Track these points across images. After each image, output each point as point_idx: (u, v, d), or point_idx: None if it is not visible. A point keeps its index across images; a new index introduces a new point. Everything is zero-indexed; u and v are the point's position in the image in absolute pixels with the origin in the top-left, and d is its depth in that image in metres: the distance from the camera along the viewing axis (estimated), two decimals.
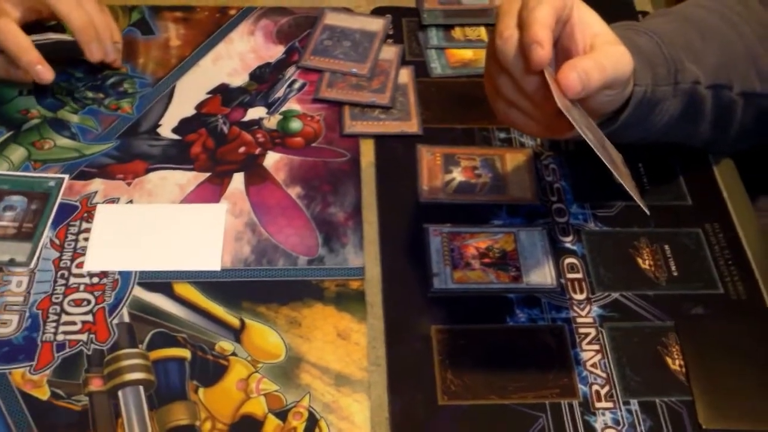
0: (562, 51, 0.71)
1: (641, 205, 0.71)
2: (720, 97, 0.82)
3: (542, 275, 0.80)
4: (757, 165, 0.94)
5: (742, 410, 0.72)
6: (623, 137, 0.78)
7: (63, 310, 0.76)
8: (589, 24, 0.72)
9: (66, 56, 0.94)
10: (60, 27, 0.95)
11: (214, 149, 0.90)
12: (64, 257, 0.79)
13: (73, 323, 0.75)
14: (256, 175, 0.87)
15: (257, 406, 0.70)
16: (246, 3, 1.06)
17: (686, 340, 0.75)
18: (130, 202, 0.84)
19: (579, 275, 0.80)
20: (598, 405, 0.72)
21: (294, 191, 0.86)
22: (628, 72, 0.71)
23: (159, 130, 0.91)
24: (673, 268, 0.81)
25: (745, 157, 0.92)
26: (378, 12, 1.06)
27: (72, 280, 0.78)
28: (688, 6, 0.87)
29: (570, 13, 0.71)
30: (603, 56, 0.69)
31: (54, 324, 0.75)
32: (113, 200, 0.84)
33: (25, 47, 0.89)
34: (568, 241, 0.83)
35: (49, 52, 0.90)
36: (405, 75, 0.98)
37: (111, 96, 0.94)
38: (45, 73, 0.90)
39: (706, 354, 0.75)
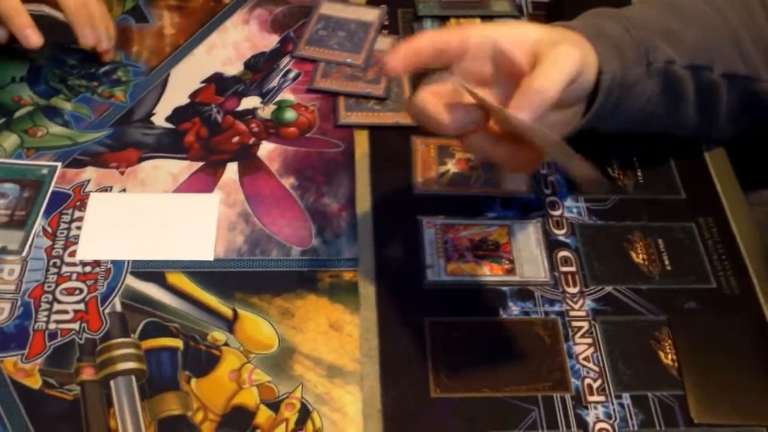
0: (512, 79, 0.70)
1: (597, 182, 0.70)
2: (700, 78, 0.82)
3: (536, 268, 0.80)
4: (750, 159, 0.94)
5: (733, 404, 0.72)
6: (606, 126, 0.79)
7: (55, 299, 0.75)
8: (523, 38, 0.71)
9: (58, 38, 0.94)
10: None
11: (207, 138, 0.89)
12: (56, 246, 0.79)
13: (66, 312, 0.75)
14: (250, 165, 0.87)
15: (249, 397, 0.70)
16: None
17: (679, 335, 0.76)
18: (123, 190, 0.84)
19: (572, 268, 0.80)
20: (590, 398, 0.72)
21: (288, 181, 0.86)
22: (575, 69, 0.70)
23: (152, 118, 0.91)
24: (667, 262, 0.81)
25: (739, 150, 0.92)
26: (373, 2, 1.06)
27: (64, 268, 0.77)
28: None
29: (494, 44, 0.71)
30: (548, 68, 0.68)
31: (46, 313, 0.74)
32: (106, 189, 0.84)
33: (17, 9, 0.88)
34: (562, 234, 0.83)
35: (41, 26, 0.89)
36: None
37: (104, 84, 0.94)
38: (33, 37, 0.89)
39: (699, 348, 0.75)
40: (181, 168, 0.86)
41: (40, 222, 0.81)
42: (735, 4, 0.84)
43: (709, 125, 0.86)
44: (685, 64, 0.81)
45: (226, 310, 0.76)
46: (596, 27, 0.78)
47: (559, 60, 0.68)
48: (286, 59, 0.98)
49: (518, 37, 0.71)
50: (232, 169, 0.86)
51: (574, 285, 0.79)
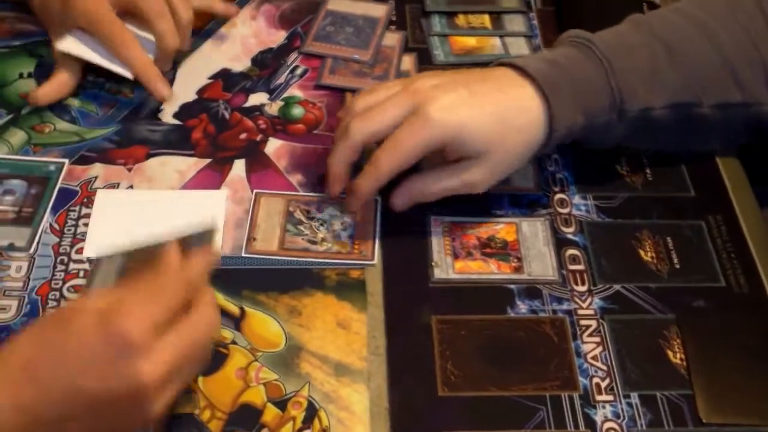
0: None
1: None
2: (686, 113, 0.82)
3: (544, 266, 0.80)
4: (760, 157, 0.94)
5: (742, 404, 0.71)
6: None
7: (62, 296, 0.75)
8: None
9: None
10: None
11: (215, 135, 0.89)
12: (63, 243, 0.79)
13: None
14: (258, 161, 0.87)
15: (256, 395, 0.70)
16: None
17: (687, 334, 0.75)
18: (130, 187, 0.84)
19: (581, 267, 0.80)
20: (598, 398, 0.71)
21: (295, 178, 0.85)
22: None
23: (160, 115, 0.91)
24: (675, 260, 0.81)
25: (749, 148, 0.92)
26: None
27: (72, 265, 0.77)
28: (668, 13, 0.86)
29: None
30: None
31: (53, 310, 0.74)
32: (113, 185, 0.84)
33: (146, 61, 0.89)
34: (570, 232, 0.83)
35: None
36: (408, 62, 0.98)
37: (112, 80, 0.94)
38: (165, 90, 0.90)
39: (708, 348, 0.74)
40: (189, 165, 0.86)
41: (47, 219, 0.81)
42: (731, 22, 0.83)
43: (701, 146, 0.87)
44: (666, 104, 0.81)
45: (233, 308, 0.75)
46: (563, 76, 0.78)
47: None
48: (293, 55, 0.98)
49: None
50: (239, 166, 0.86)
51: (583, 283, 0.79)
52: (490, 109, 0.75)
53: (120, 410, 0.59)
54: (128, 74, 0.89)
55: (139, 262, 0.67)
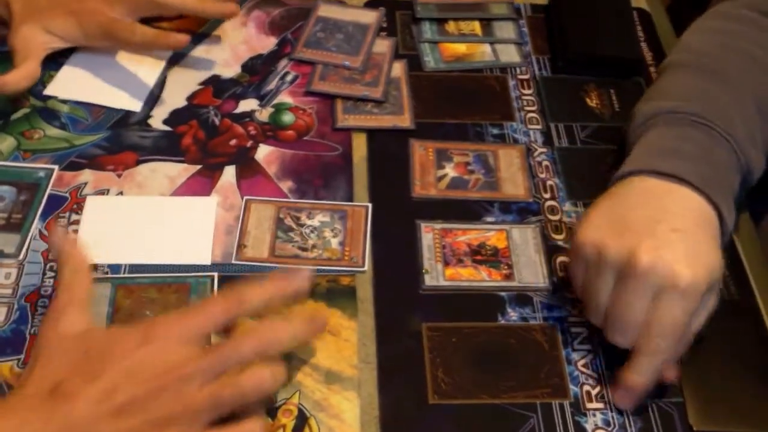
0: None
1: None
2: None
3: (534, 273, 0.80)
4: None
5: (733, 412, 0.71)
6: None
7: None
8: None
9: None
10: None
11: (205, 141, 0.89)
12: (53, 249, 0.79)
13: None
14: (248, 168, 0.87)
15: None
16: None
17: None
18: (120, 193, 0.84)
19: None
20: (589, 405, 0.71)
21: (285, 185, 0.85)
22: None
23: (150, 121, 0.91)
24: None
25: None
26: (371, 4, 1.06)
27: None
28: (731, 54, 0.84)
29: None
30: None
31: (42, 317, 0.74)
32: (103, 192, 0.84)
33: (153, 33, 0.92)
34: (561, 239, 0.83)
35: None
36: (398, 68, 0.98)
37: None
38: (180, 37, 0.92)
39: (698, 355, 0.74)
40: (179, 171, 0.86)
41: (36, 225, 0.80)
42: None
43: None
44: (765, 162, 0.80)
45: None
46: (716, 173, 0.74)
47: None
48: (283, 61, 0.98)
49: None
50: (229, 173, 0.86)
51: (573, 291, 0.79)
52: (703, 236, 0.71)
53: None
54: (124, 106, 0.91)
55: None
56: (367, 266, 0.79)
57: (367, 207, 0.83)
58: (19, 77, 0.89)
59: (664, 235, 0.68)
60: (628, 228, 0.70)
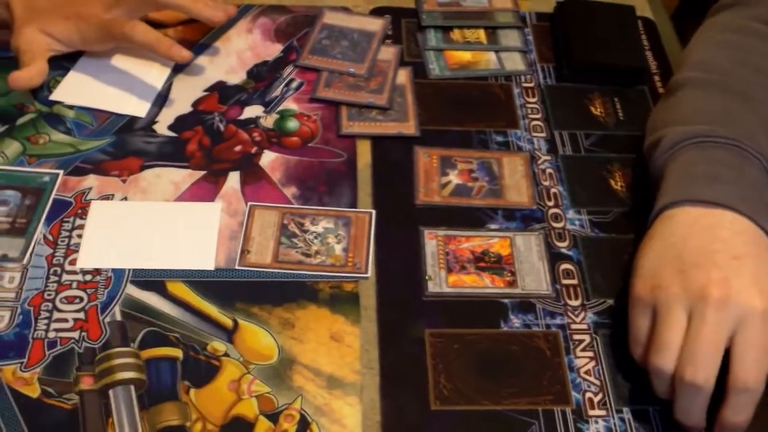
0: None
1: None
2: None
3: (537, 281, 0.80)
4: None
5: None
6: None
7: (55, 307, 0.75)
8: None
9: None
10: None
11: (210, 147, 0.89)
12: (57, 254, 0.79)
13: (65, 320, 0.74)
14: (252, 174, 0.87)
15: (248, 408, 0.70)
16: (244, 0, 1.06)
17: None
18: (125, 199, 0.84)
19: (574, 281, 0.80)
20: (591, 413, 0.71)
21: (290, 191, 0.85)
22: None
23: (155, 126, 0.91)
24: None
25: None
26: (377, 12, 1.06)
27: (65, 277, 0.77)
28: (745, 70, 0.84)
29: None
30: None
31: (46, 321, 0.74)
32: (107, 197, 0.84)
33: (155, 35, 0.92)
34: (564, 247, 0.83)
35: None
36: (403, 76, 0.98)
37: None
38: (184, 53, 0.93)
39: None
40: (183, 177, 0.86)
41: (41, 230, 0.80)
42: None
43: None
44: None
45: (226, 320, 0.75)
46: (756, 197, 0.74)
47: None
48: (289, 68, 0.98)
49: None
50: (234, 179, 0.86)
51: (576, 298, 0.79)
52: (763, 257, 0.71)
53: None
54: (129, 112, 0.92)
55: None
56: (371, 273, 0.79)
57: (370, 213, 0.83)
58: (32, 73, 0.90)
59: (726, 264, 0.68)
60: (687, 263, 0.69)
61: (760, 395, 0.66)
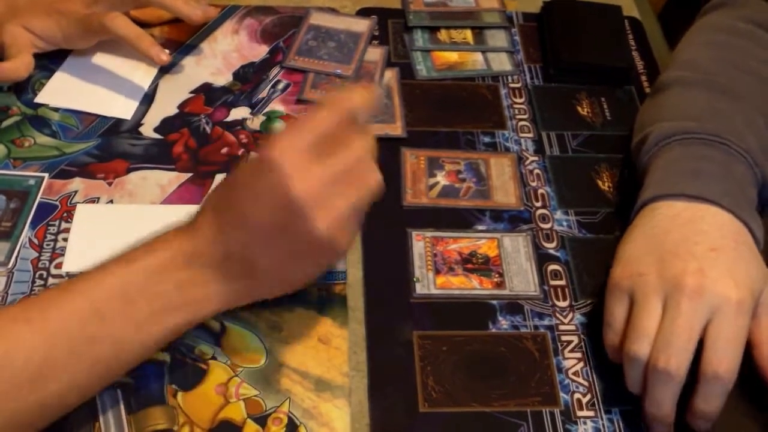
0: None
1: None
2: None
3: (525, 282, 0.80)
4: None
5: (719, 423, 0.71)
6: None
7: None
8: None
9: None
10: None
11: (196, 149, 0.89)
12: (42, 257, 0.78)
13: None
14: None
15: (236, 412, 0.70)
16: (230, 1, 1.05)
17: None
18: (111, 202, 0.83)
19: (562, 282, 0.80)
20: (579, 414, 0.71)
21: None
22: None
23: (141, 129, 0.90)
24: None
25: None
26: (363, 13, 1.06)
27: (51, 280, 0.77)
28: (734, 71, 0.85)
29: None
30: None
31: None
32: (93, 200, 0.83)
33: (138, 32, 0.91)
34: (552, 248, 0.83)
35: None
36: (390, 77, 0.98)
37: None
38: (163, 56, 0.92)
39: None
40: (170, 179, 0.86)
41: (26, 233, 0.80)
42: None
43: None
44: None
45: (213, 323, 0.75)
46: (740, 193, 0.75)
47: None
48: (275, 70, 0.98)
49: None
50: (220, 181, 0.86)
51: (564, 299, 0.79)
52: (751, 257, 0.71)
53: (285, 230, 0.64)
54: (115, 114, 0.91)
55: None
56: (359, 274, 0.79)
57: None
58: (17, 65, 0.89)
59: (704, 255, 0.69)
60: (666, 253, 0.70)
61: (731, 385, 0.66)
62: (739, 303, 0.67)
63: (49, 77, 0.94)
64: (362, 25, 1.03)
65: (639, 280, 0.70)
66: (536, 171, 0.89)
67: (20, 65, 0.90)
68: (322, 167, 0.64)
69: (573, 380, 0.73)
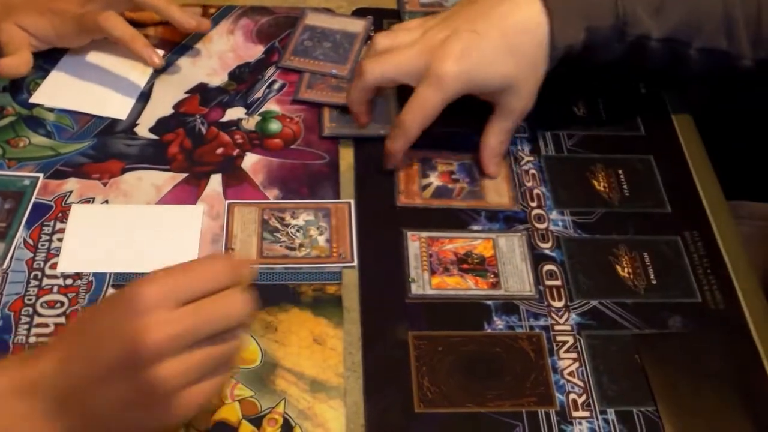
0: None
1: None
2: (674, 51, 0.84)
3: (521, 282, 0.80)
4: (736, 171, 0.95)
5: (708, 424, 0.71)
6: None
7: (36, 312, 0.75)
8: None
9: None
10: None
11: (191, 150, 0.89)
12: (37, 258, 0.78)
13: (46, 325, 0.74)
14: (234, 176, 0.86)
15: (231, 412, 0.70)
16: (226, 2, 1.05)
17: (647, 356, 0.75)
18: (106, 202, 0.83)
19: (558, 282, 0.80)
20: (575, 414, 0.71)
21: (272, 193, 0.85)
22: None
23: (136, 129, 0.90)
24: (652, 276, 0.81)
25: (723, 162, 0.92)
26: (359, 13, 1.06)
27: (45, 281, 0.77)
28: None
29: None
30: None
31: (26, 326, 0.74)
32: (88, 200, 0.83)
33: (133, 33, 0.91)
34: (547, 248, 0.83)
35: None
36: None
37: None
38: (155, 58, 0.92)
39: (674, 369, 0.74)
40: (165, 179, 0.86)
41: (21, 234, 0.80)
42: None
43: (668, 83, 0.93)
44: (662, 38, 0.83)
45: None
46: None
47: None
48: (271, 70, 0.98)
49: None
50: (216, 181, 0.86)
51: (560, 299, 0.79)
52: (497, 42, 0.80)
53: (127, 373, 0.57)
54: (110, 114, 0.91)
55: None
56: (354, 275, 0.79)
57: (349, 203, 0.84)
58: (17, 62, 0.90)
59: (458, 34, 0.80)
60: (449, 18, 0.83)
61: (408, 135, 0.83)
62: (440, 78, 0.79)
63: (43, 77, 0.94)
64: (358, 26, 1.03)
65: (420, 22, 0.86)
66: (532, 171, 0.89)
67: (20, 62, 0.90)
68: (182, 317, 0.58)
69: (568, 380, 0.73)
